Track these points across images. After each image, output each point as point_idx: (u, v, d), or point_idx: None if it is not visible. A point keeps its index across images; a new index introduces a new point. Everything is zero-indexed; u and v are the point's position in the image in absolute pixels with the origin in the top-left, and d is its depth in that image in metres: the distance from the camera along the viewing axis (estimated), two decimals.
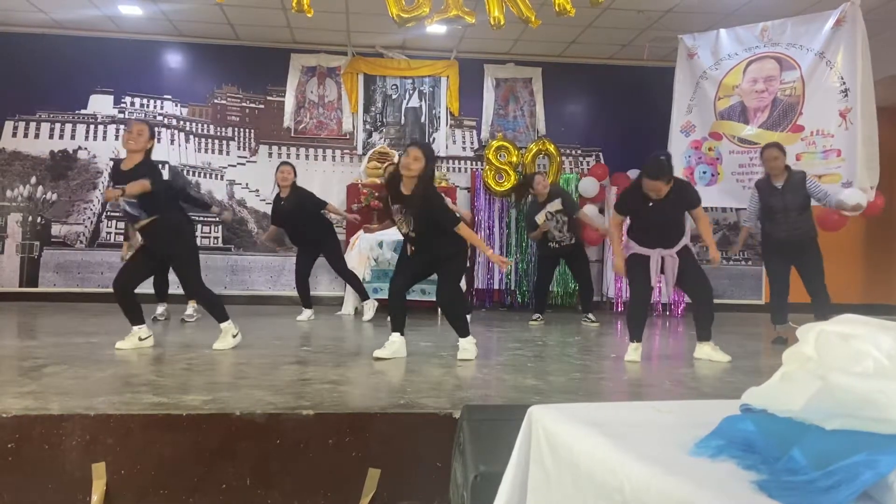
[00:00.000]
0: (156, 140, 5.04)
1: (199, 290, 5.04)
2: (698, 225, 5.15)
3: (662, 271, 4.89)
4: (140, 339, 4.83)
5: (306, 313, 7.03)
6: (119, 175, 4.79)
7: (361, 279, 7.42)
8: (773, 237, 5.84)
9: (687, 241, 5.01)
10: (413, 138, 5.10)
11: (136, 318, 4.87)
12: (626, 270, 4.97)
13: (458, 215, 4.81)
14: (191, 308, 6.74)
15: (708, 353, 4.93)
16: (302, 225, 6.88)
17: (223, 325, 4.95)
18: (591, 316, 7.22)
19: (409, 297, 7.43)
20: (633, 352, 4.87)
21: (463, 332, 4.72)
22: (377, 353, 4.58)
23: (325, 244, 7.03)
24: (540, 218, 7.10)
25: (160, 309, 6.71)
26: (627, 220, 5.18)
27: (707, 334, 4.97)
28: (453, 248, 4.65)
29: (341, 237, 8.77)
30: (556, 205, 7.12)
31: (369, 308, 7.10)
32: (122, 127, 8.78)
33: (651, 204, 4.81)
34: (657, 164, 4.79)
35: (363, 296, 7.16)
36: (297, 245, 7.11)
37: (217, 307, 4.99)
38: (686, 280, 4.92)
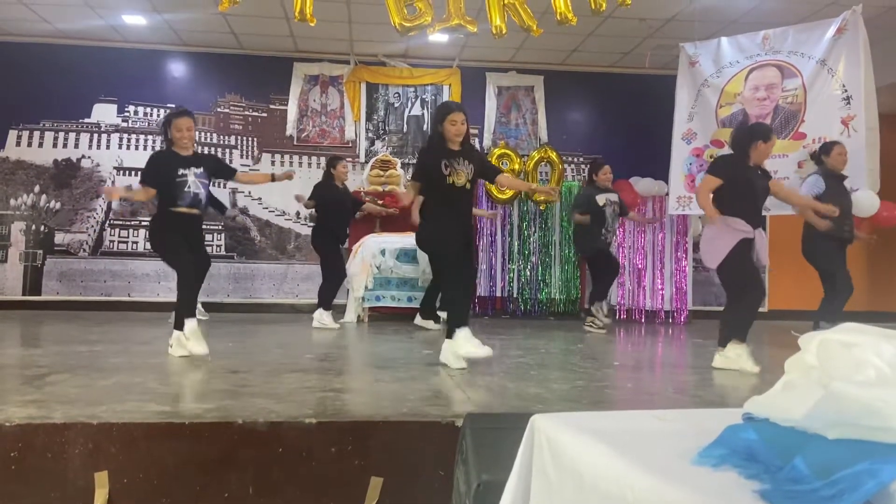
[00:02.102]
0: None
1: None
2: (785, 198, 4.95)
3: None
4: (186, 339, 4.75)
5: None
6: (180, 159, 4.84)
7: (363, 287, 7.43)
8: (839, 236, 5.61)
9: None
10: (455, 103, 5.23)
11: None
12: (736, 264, 4.52)
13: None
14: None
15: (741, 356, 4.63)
16: (347, 217, 7.25)
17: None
18: (597, 321, 7.18)
19: (399, 305, 7.50)
20: (746, 355, 4.53)
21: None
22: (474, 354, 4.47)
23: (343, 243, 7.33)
24: (601, 199, 7.15)
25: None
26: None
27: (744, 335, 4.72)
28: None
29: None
30: (614, 196, 7.27)
31: (328, 319, 7.03)
32: (124, 135, 8.84)
33: (759, 172, 4.66)
34: (767, 126, 4.77)
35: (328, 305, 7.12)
36: (335, 238, 7.16)
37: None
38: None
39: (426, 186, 4.66)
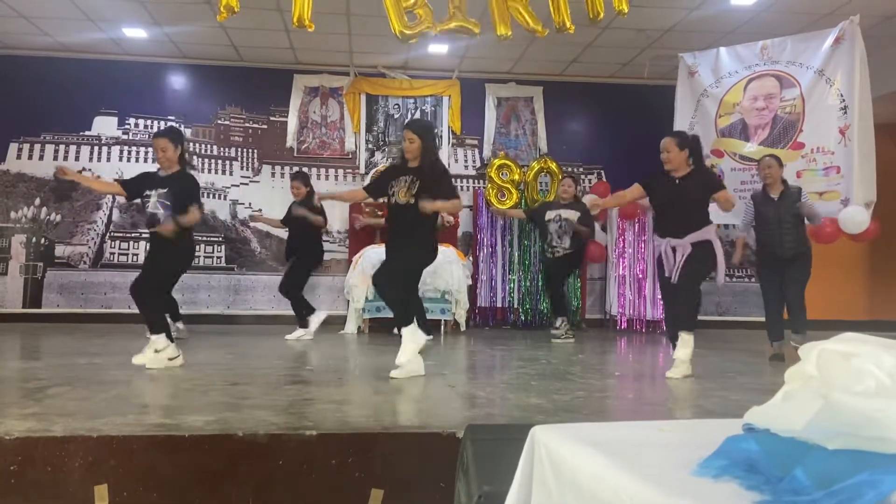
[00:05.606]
0: (182, 146, 5.03)
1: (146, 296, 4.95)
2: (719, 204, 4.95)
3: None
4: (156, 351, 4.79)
5: (298, 332, 6.99)
6: (155, 179, 4.94)
7: (364, 298, 7.43)
8: (766, 249, 5.89)
9: (707, 236, 4.79)
10: (406, 121, 5.36)
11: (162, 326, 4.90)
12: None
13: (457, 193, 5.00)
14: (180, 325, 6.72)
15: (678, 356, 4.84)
16: (297, 228, 7.05)
17: (153, 337, 4.82)
18: (557, 324, 7.22)
19: None
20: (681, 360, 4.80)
21: (405, 320, 4.62)
22: (393, 374, 4.50)
23: (302, 256, 7.09)
24: (549, 214, 7.21)
25: (179, 326, 6.68)
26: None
27: (673, 336, 4.90)
28: (420, 243, 4.66)
29: (343, 255, 8.82)
30: (571, 214, 7.15)
31: (315, 321, 7.05)
32: (125, 148, 8.87)
33: (677, 182, 4.85)
34: (679, 132, 5.13)
35: (302, 320, 7.07)
36: (287, 252, 7.29)
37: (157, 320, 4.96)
38: (680, 273, 4.74)
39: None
